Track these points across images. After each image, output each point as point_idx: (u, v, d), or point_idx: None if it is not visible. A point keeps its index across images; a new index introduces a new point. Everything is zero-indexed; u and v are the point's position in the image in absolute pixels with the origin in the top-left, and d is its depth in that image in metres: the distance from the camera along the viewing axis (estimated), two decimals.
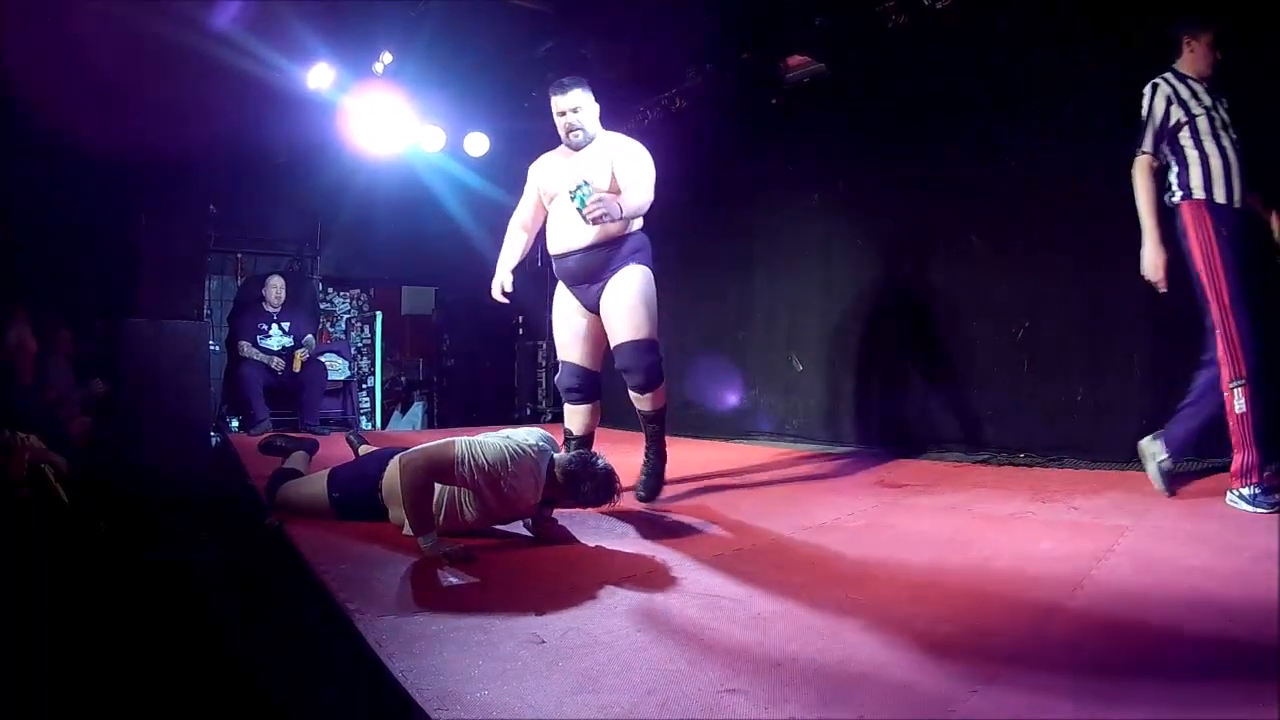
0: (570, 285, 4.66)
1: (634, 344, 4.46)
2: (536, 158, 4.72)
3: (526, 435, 3.78)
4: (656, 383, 4.53)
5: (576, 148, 4.55)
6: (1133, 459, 5.06)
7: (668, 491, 4.83)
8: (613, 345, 4.54)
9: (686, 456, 6.40)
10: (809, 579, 3.11)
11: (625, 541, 3.80)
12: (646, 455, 4.66)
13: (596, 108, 4.59)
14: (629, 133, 7.84)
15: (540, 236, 4.87)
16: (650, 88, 7.96)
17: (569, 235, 4.51)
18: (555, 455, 3.78)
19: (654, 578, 3.19)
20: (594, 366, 4.76)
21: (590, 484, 3.64)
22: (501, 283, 4.78)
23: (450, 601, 2.89)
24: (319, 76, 7.58)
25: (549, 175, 4.65)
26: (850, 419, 6.88)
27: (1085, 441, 5.40)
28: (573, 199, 4.14)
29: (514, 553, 3.62)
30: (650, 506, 4.53)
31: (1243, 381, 3.89)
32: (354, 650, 2.55)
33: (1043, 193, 5.53)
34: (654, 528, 4.04)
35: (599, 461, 3.71)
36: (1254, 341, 3.93)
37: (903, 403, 6.50)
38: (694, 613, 2.74)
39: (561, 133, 4.55)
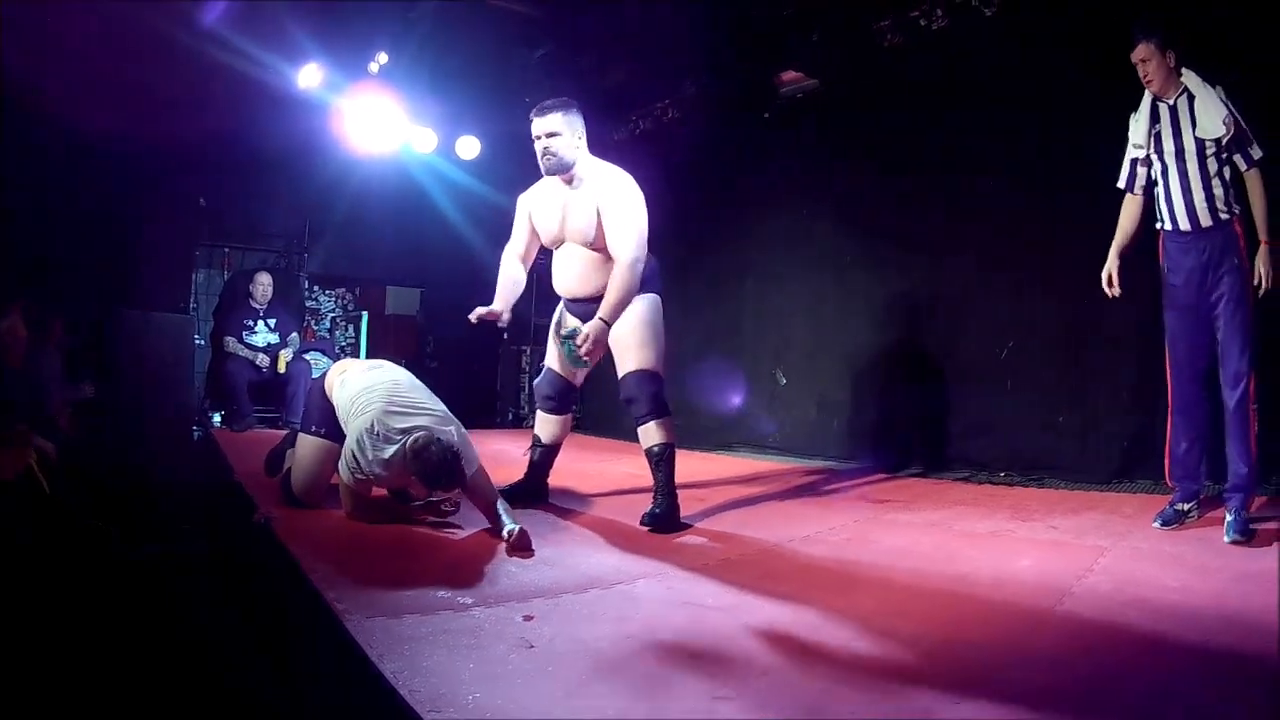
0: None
1: (638, 374, 4.41)
2: (529, 162, 4.60)
3: (362, 426, 3.98)
4: (662, 412, 4.41)
5: (549, 173, 4.39)
6: (1114, 480, 5.14)
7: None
8: (619, 375, 4.48)
9: None
10: (794, 589, 3.15)
11: (612, 550, 3.80)
12: (655, 495, 4.36)
13: (580, 131, 4.37)
14: (621, 143, 7.94)
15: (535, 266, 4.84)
16: (643, 96, 8.00)
17: (574, 283, 4.52)
18: (409, 441, 3.90)
19: (641, 586, 3.22)
20: (576, 381, 4.81)
21: (426, 466, 3.80)
22: (498, 315, 4.53)
23: (438, 604, 2.90)
24: (309, 76, 7.59)
25: (541, 212, 4.56)
26: (833, 434, 6.94)
27: (1067, 462, 5.47)
28: (563, 347, 4.29)
29: (500, 558, 3.62)
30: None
31: (1168, 411, 4.13)
32: (343, 650, 2.55)
33: (1033, 213, 5.61)
34: (641, 537, 4.06)
35: (434, 446, 3.81)
36: (1177, 381, 4.08)
37: (886, 418, 6.56)
38: (681, 621, 2.78)
39: (538, 156, 4.36)
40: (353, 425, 4.06)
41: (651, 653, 2.46)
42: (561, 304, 4.74)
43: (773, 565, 3.56)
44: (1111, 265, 4.20)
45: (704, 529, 4.29)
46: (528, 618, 2.77)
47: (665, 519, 4.24)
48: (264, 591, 3.75)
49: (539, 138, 4.31)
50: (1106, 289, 4.21)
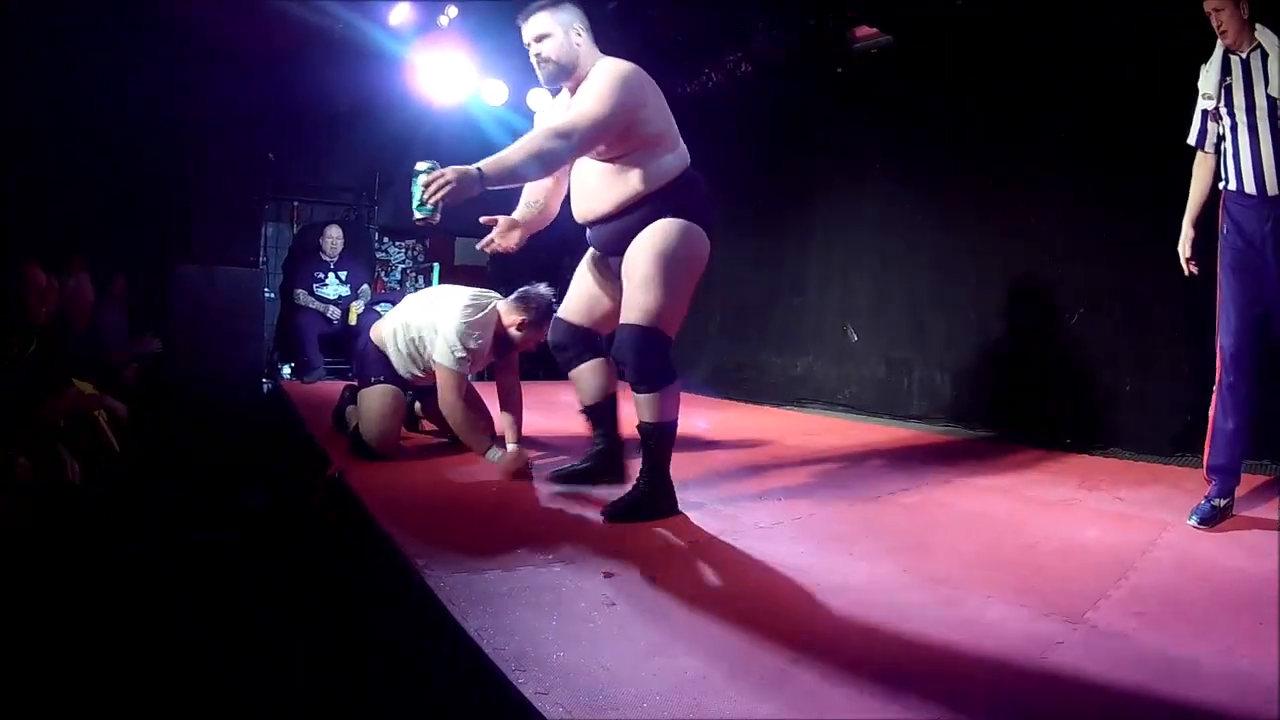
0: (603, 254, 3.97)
1: (628, 329, 3.56)
2: None
3: (460, 302, 4.59)
4: (654, 384, 3.56)
5: (549, 84, 3.69)
6: (1175, 453, 5.07)
7: (726, 459, 4.88)
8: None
9: (740, 421, 6.52)
10: (868, 553, 3.20)
11: (689, 507, 3.75)
12: (639, 479, 3.67)
13: (577, 26, 3.62)
14: (693, 94, 7.92)
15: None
16: (714, 49, 7.92)
17: (586, 202, 3.77)
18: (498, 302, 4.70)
19: (717, 545, 3.26)
20: (597, 328, 4.07)
21: (533, 301, 4.57)
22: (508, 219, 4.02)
23: (518, 560, 2.95)
24: (399, 14, 7.58)
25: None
26: (902, 393, 6.91)
27: (1130, 432, 5.41)
28: (412, 181, 3.34)
29: (578, 512, 3.67)
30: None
31: (1214, 386, 3.80)
32: (424, 608, 2.59)
33: (1105, 177, 5.47)
34: (715, 495, 4.05)
35: (532, 289, 4.65)
36: (1229, 351, 3.73)
37: (955, 379, 6.53)
38: (759, 580, 2.84)
39: (535, 70, 3.66)
40: (441, 321, 4.53)
41: (729, 615, 2.50)
42: (590, 251, 4.04)
43: (845, 528, 3.58)
44: (1186, 240, 3.94)
45: (777, 487, 4.29)
46: (608, 574, 2.82)
47: (627, 509, 3.57)
48: (334, 543, 3.80)
49: (529, 44, 3.62)
50: (1184, 266, 3.95)
